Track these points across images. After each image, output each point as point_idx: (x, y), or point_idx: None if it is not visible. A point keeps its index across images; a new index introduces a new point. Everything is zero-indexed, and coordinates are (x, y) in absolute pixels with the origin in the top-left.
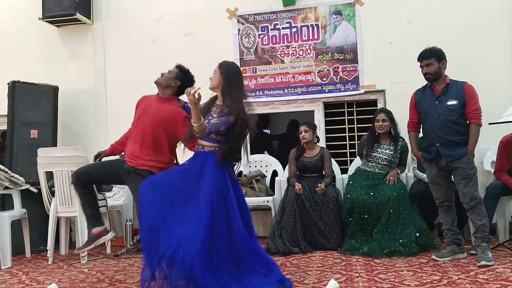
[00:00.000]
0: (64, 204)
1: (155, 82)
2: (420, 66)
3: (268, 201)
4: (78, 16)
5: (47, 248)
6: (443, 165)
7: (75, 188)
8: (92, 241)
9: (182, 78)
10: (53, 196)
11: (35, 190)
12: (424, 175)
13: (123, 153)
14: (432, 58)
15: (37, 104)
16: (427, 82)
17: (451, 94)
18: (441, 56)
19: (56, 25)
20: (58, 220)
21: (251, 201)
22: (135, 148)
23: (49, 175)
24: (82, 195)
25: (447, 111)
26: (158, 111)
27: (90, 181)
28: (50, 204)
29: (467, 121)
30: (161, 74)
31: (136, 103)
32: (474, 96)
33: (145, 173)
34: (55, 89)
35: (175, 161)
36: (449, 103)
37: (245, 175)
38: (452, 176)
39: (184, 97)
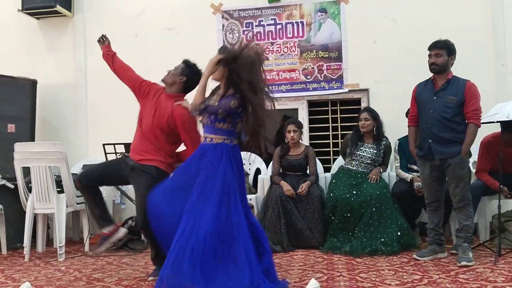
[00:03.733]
0: (41, 201)
1: (162, 81)
2: (429, 55)
3: (250, 199)
4: (58, 8)
5: (24, 245)
6: (437, 164)
7: (80, 191)
8: (104, 241)
9: (188, 73)
10: (30, 192)
11: (12, 186)
12: (407, 175)
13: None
14: (443, 49)
15: (14, 98)
16: (429, 76)
17: (451, 91)
18: (452, 51)
19: (36, 17)
20: (35, 216)
21: None
22: (140, 143)
23: (26, 171)
24: (87, 198)
25: (443, 107)
26: (164, 109)
27: (94, 182)
28: (27, 200)
29: (465, 120)
30: (168, 72)
31: (146, 87)
32: (474, 96)
33: (150, 169)
34: (33, 83)
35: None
36: (447, 100)
37: None
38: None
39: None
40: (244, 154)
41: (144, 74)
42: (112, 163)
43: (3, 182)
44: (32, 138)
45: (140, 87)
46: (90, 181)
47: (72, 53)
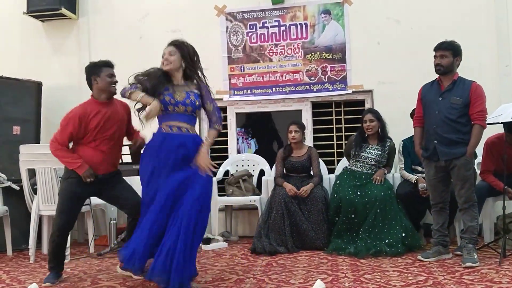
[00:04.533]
0: (47, 202)
1: (116, 94)
2: (434, 56)
3: (255, 201)
4: (63, 11)
5: (29, 246)
6: (442, 165)
7: (59, 239)
8: (58, 277)
9: None
10: (35, 193)
11: (17, 188)
12: (411, 176)
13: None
14: (448, 50)
15: (20, 100)
16: (435, 77)
17: (456, 92)
18: (457, 52)
19: (41, 20)
20: (40, 218)
21: (237, 200)
22: (110, 156)
23: (32, 173)
24: (60, 244)
25: (448, 109)
26: (116, 115)
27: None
28: (32, 202)
29: (471, 122)
30: (116, 84)
31: (82, 120)
32: (480, 97)
33: (118, 172)
34: (38, 85)
35: None
36: (452, 101)
37: (232, 175)
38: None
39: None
40: (246, 156)
41: None
42: (79, 197)
43: (9, 183)
44: (37, 140)
45: (80, 125)
46: (68, 231)
47: (77, 55)
